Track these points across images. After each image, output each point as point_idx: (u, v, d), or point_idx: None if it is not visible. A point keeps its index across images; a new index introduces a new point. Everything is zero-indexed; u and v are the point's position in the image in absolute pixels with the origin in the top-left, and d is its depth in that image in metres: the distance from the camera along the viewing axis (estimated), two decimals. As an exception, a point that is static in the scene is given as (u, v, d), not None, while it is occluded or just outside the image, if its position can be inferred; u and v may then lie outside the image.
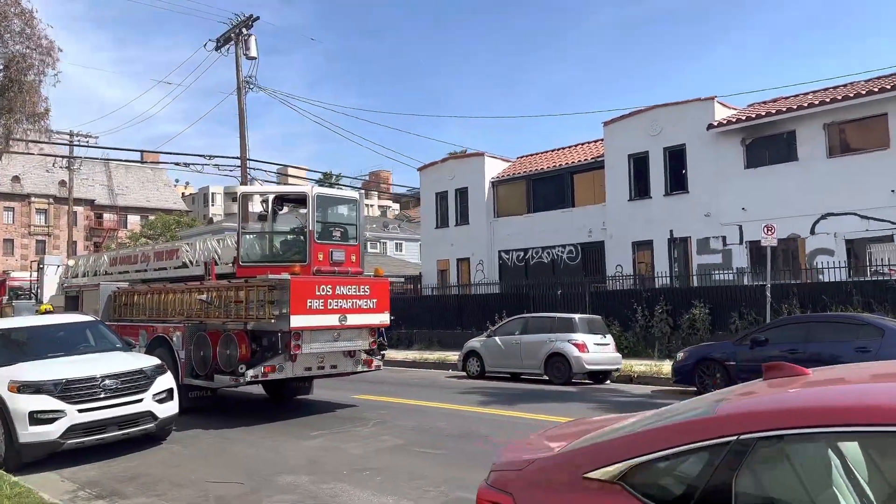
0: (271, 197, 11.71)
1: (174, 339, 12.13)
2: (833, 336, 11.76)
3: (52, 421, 8.48)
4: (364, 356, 11.96)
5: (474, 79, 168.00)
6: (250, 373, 10.61)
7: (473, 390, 14.67)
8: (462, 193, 30.43)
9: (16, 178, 75.64)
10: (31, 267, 20.05)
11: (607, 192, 25.17)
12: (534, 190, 28.38)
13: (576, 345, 15.39)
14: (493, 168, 30.13)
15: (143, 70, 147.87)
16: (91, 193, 79.75)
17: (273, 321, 10.49)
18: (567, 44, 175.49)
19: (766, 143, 21.30)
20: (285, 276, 10.49)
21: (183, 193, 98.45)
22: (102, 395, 8.87)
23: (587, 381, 15.93)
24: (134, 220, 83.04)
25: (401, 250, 66.17)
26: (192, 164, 30.33)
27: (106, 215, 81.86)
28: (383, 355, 12.30)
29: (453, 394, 14.17)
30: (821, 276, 18.76)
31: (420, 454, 8.42)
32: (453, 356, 21.29)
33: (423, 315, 26.89)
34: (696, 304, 18.87)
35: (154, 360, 9.86)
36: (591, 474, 2.96)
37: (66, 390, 8.66)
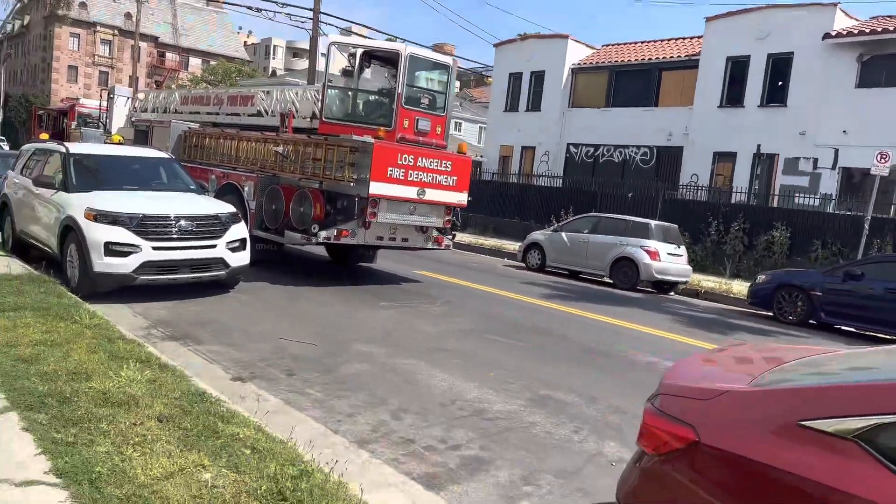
0: (359, 52, 10.90)
1: (245, 188, 11.80)
2: (939, 279, 10.91)
3: (126, 254, 8.31)
4: (435, 233, 11.53)
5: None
6: (323, 234, 10.28)
7: (537, 283, 14.28)
8: (538, 77, 28.89)
9: (83, 5, 74.85)
10: (100, 96, 19.81)
11: (696, 94, 23.54)
12: (616, 82, 26.75)
13: (648, 251, 14.73)
14: (576, 54, 28.37)
15: None
16: (155, 30, 78.82)
17: (352, 184, 10.01)
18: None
19: (887, 61, 19.34)
20: (369, 139, 9.90)
21: (245, 42, 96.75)
22: (177, 236, 8.65)
23: (651, 290, 15.40)
24: (195, 63, 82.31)
25: (459, 130, 64.76)
26: (265, 9, 29.03)
27: (168, 54, 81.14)
28: (454, 235, 11.85)
29: (516, 283, 13.81)
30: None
31: (494, 342, 8.10)
32: (510, 245, 20.88)
33: (482, 200, 26.28)
34: (777, 226, 17.85)
35: (229, 207, 9.55)
36: (814, 423, 2.41)
37: (142, 225, 8.43)
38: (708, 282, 16.19)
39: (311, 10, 28.51)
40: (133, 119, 18.19)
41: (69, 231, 8.68)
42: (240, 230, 9.36)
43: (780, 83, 21.50)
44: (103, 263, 8.24)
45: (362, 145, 9.93)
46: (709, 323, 11.56)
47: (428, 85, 10.99)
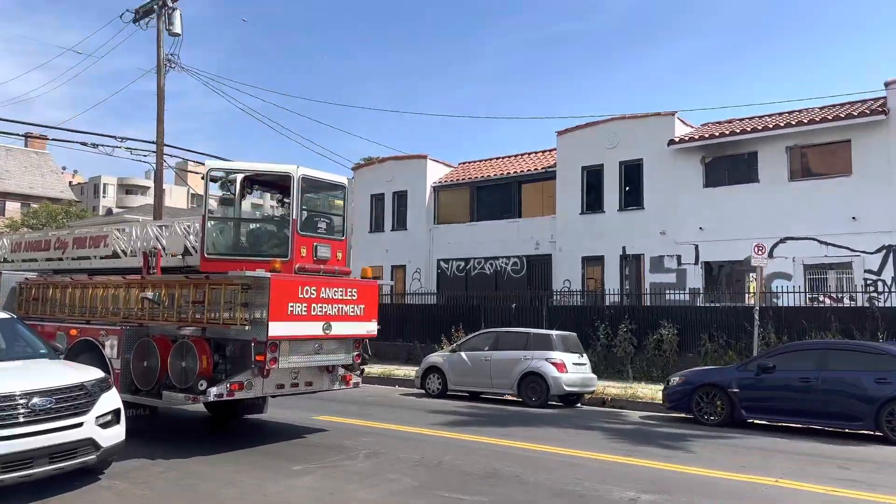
0: (240, 177, 9.73)
1: (107, 344, 9.87)
2: (848, 365, 11.08)
3: (-40, 452, 6.27)
4: (342, 372, 10.17)
5: (378, 94, 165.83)
6: (213, 391, 8.60)
7: (446, 410, 13.10)
8: (400, 196, 28.82)
9: None
10: None
11: (558, 203, 24.31)
12: (478, 197, 27.19)
13: (554, 364, 14.14)
14: (435, 172, 28.74)
15: (25, 49, 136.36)
16: (-35, 175, 71.95)
17: (246, 327, 8.55)
18: (479, 60, 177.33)
19: (727, 162, 21.05)
20: (263, 273, 8.59)
21: (71, 182, 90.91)
22: (32, 418, 6.71)
23: (559, 404, 14.72)
24: (13, 208, 75.38)
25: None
26: (102, 144, 26.87)
27: (-19, 200, 74.02)
28: (363, 370, 10.54)
29: (425, 415, 12.55)
30: (776, 301, 18.50)
31: (456, 501, 6.80)
32: (398, 370, 19.64)
33: (357, 324, 24.98)
34: (664, 324, 18.11)
35: (96, 372, 7.70)
36: None
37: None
38: (612, 388, 15.80)
39: (153, 142, 26.95)
40: (-52, 274, 15.42)
41: None
42: (111, 399, 7.52)
43: (634, 187, 22.70)
44: (-74, 470, 6.14)
45: (256, 281, 8.58)
46: (641, 436, 10.92)
47: (324, 208, 9.96)
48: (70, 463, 6.98)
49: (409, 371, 18.81)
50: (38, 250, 13.30)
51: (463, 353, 15.45)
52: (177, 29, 26.03)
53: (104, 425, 7.31)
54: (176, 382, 8.94)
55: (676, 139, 21.56)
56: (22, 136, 42.60)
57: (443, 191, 28.14)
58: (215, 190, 9.87)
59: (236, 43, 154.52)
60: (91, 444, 7.14)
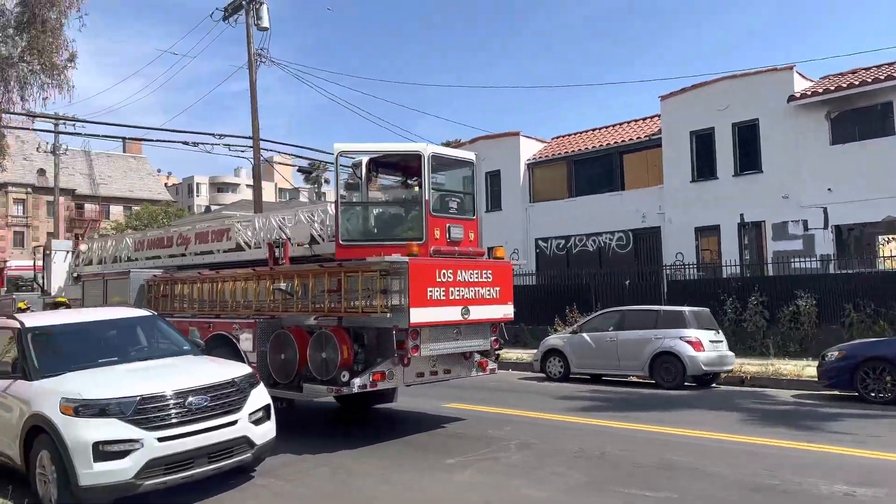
0: (365, 159, 9.33)
1: (241, 338, 9.73)
2: None
3: (124, 454, 6.13)
4: (478, 357, 9.69)
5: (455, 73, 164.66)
6: (357, 382, 8.26)
7: (580, 397, 12.45)
8: (494, 177, 28.10)
9: (-9, 167, 71.84)
10: (34, 254, 17.46)
11: (665, 172, 23.03)
12: (576, 172, 26.17)
13: (689, 342, 13.22)
14: (528, 149, 27.88)
15: (116, 61, 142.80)
16: (71, 183, 76.03)
17: (388, 315, 8.16)
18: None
19: (856, 116, 19.27)
20: (400, 257, 8.16)
21: (166, 184, 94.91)
22: (189, 417, 6.52)
23: (692, 384, 13.80)
24: (117, 211, 79.64)
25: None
26: (201, 143, 27.50)
27: (87, 206, 78.23)
28: (498, 356, 10.03)
29: (558, 401, 11.94)
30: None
31: (641, 498, 6.18)
32: (509, 353, 19.05)
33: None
34: (801, 295, 16.77)
35: (244, 368, 7.48)
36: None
37: (141, 411, 6.30)
38: (749, 366, 14.71)
39: (249, 137, 27.33)
40: (75, 275, 15.92)
41: (37, 433, 6.45)
42: (261, 395, 7.29)
43: (749, 150, 21.19)
44: (93, 473, 6.01)
45: (394, 266, 8.17)
46: (807, 417, 9.96)
47: (453, 187, 9.45)
48: (227, 462, 6.78)
49: (521, 354, 18.24)
50: (160, 247, 13.44)
51: (585, 335, 14.72)
52: (265, 23, 26.21)
53: (256, 422, 7.08)
54: (317, 374, 8.67)
55: (797, 95, 19.92)
56: (120, 138, 43.73)
57: (538, 167, 27.27)
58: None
59: (309, 38, 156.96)
60: (246, 441, 6.92)
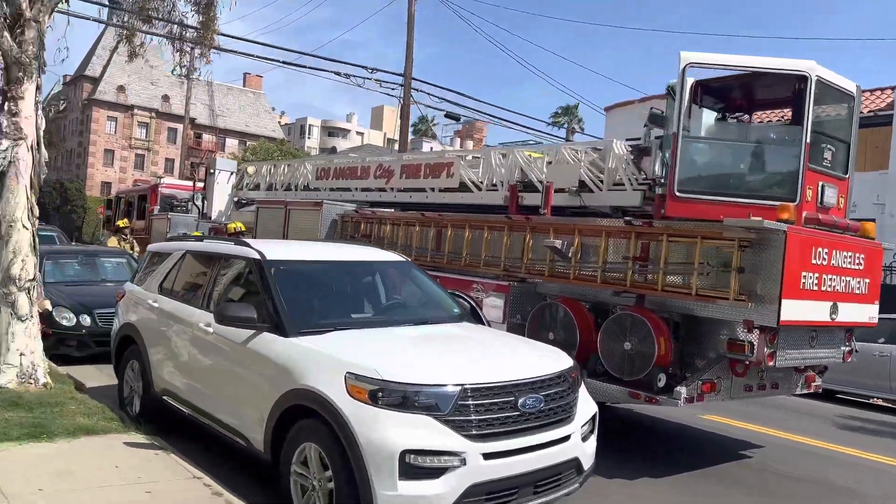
0: (709, 77, 6.77)
1: (487, 303, 7.57)
2: None
3: (439, 473, 4.05)
4: (808, 371, 7.18)
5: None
6: (683, 392, 5.91)
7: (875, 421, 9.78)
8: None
9: (121, 88, 73.58)
10: (191, 172, 15.98)
11: (893, 156, 19.48)
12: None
13: None
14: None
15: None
16: (192, 111, 76.65)
17: (749, 305, 5.75)
18: None
19: None
20: (773, 223, 5.68)
21: (279, 122, 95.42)
22: (522, 425, 4.37)
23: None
24: (232, 144, 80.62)
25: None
26: (354, 75, 25.70)
27: (205, 136, 79.39)
28: (826, 367, 7.47)
29: (847, 424, 9.35)
30: None
31: None
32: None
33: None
34: None
35: (560, 354, 5.24)
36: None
37: (462, 409, 4.17)
38: None
39: (401, 74, 25.32)
40: (237, 199, 14.31)
41: (299, 415, 4.46)
42: (587, 398, 5.05)
43: None
44: (395, 497, 3.95)
45: (763, 235, 5.71)
46: None
47: (829, 129, 6.82)
48: (554, 496, 4.59)
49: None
50: (352, 178, 11.47)
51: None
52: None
53: (585, 437, 4.86)
54: (613, 370, 6.39)
55: None
56: (276, 61, 41.95)
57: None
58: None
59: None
60: (575, 466, 4.72)
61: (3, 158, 6.49)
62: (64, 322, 9.14)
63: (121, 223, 14.08)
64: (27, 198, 6.66)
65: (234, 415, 5.13)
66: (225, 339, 5.22)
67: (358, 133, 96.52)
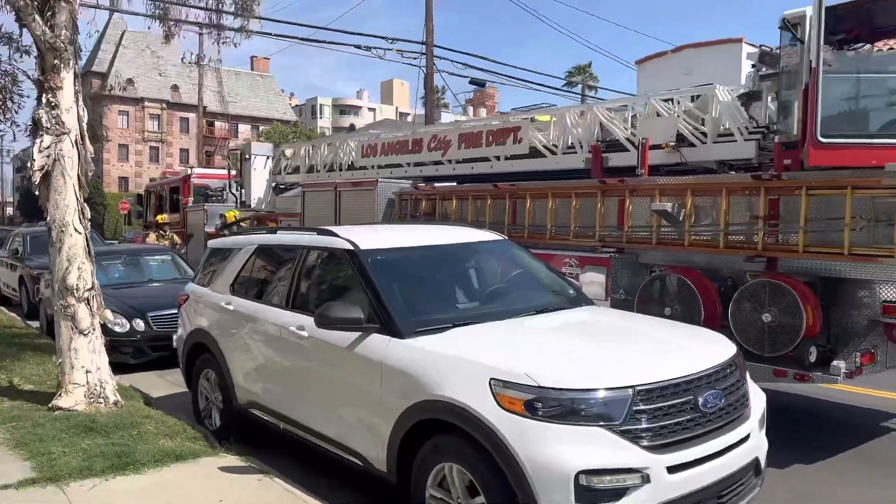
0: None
1: (585, 279, 6.82)
2: None
3: (620, 494, 3.35)
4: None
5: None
6: (842, 366, 5.16)
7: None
8: (703, 94, 23.94)
9: (129, 81, 72.91)
10: (225, 158, 15.34)
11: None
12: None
13: None
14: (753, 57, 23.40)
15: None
16: (203, 99, 76.49)
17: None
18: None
19: None
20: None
21: (289, 104, 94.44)
22: (704, 428, 3.66)
23: None
24: (244, 129, 79.95)
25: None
26: (375, 47, 24.78)
27: (217, 123, 78.68)
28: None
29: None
30: None
31: None
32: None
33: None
34: None
35: (719, 337, 4.50)
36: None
37: (636, 416, 3.46)
38: None
39: (422, 42, 24.36)
40: (275, 184, 13.62)
41: (438, 432, 3.78)
42: (755, 388, 4.33)
43: None
44: (575, 527, 3.26)
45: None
46: None
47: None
48: (737, 507, 3.91)
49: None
50: (402, 152, 10.71)
51: None
52: None
53: (759, 431, 4.14)
54: (750, 346, 5.61)
55: None
56: (293, 38, 41.03)
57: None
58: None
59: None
60: (754, 467, 4.01)
61: (48, 157, 5.81)
62: (117, 329, 8.55)
63: (160, 218, 13.47)
64: (76, 198, 5.99)
65: (344, 430, 4.47)
66: (325, 344, 4.54)
67: (369, 109, 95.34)
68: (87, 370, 5.79)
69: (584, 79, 58.84)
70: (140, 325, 8.78)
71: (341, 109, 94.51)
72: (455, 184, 9.47)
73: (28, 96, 8.48)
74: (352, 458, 4.41)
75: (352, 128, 49.94)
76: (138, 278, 10.33)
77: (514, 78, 52.60)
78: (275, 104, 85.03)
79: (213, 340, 5.82)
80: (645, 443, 3.40)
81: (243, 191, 13.77)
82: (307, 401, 4.81)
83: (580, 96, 46.29)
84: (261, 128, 74.98)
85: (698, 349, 4.07)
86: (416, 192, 9.33)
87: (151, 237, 12.61)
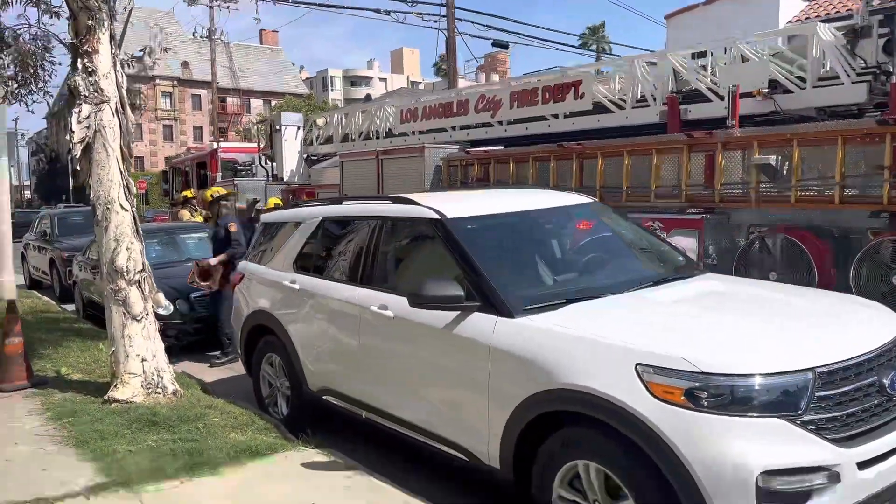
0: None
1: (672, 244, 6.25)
2: None
3: (805, 496, 2.81)
4: None
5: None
6: None
7: None
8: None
9: (140, 59, 72.09)
10: (256, 132, 14.74)
11: None
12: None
13: None
14: (790, 11, 22.35)
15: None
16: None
17: None
18: None
19: None
20: None
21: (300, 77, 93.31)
22: (891, 413, 3.11)
23: None
24: (256, 105, 79.20)
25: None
26: (394, 10, 24.11)
27: (229, 98, 77.92)
28: None
29: None
30: None
31: None
32: None
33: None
34: None
35: (877, 304, 3.91)
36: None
37: (821, 403, 2.91)
38: None
39: (443, 4, 23.54)
40: (307, 156, 13.06)
41: (564, 424, 3.25)
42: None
43: None
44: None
45: None
46: None
47: None
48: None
49: None
50: (447, 115, 10.09)
51: None
52: None
53: None
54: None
55: None
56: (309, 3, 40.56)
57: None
58: None
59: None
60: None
61: (88, 128, 5.28)
62: (161, 311, 8.08)
63: (187, 194, 12.97)
64: (120, 172, 5.47)
65: (445, 421, 3.96)
66: (417, 325, 4.01)
67: (380, 79, 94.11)
68: (142, 358, 5.32)
69: (599, 39, 57.41)
70: (184, 306, 8.33)
71: (352, 81, 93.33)
72: (502, 147, 8.88)
73: (61, 63, 7.89)
74: (454, 451, 3.90)
75: (367, 98, 48.83)
76: (177, 257, 9.84)
77: (530, 36, 51.35)
78: (286, 78, 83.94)
79: (277, 323, 5.32)
80: (831, 435, 2.86)
81: (274, 164, 13.21)
82: (395, 387, 4.31)
83: (595, 56, 45.01)
84: (273, 102, 74.16)
85: (864, 322, 3.50)
86: (466, 156, 8.74)
87: (185, 214, 12.14)
